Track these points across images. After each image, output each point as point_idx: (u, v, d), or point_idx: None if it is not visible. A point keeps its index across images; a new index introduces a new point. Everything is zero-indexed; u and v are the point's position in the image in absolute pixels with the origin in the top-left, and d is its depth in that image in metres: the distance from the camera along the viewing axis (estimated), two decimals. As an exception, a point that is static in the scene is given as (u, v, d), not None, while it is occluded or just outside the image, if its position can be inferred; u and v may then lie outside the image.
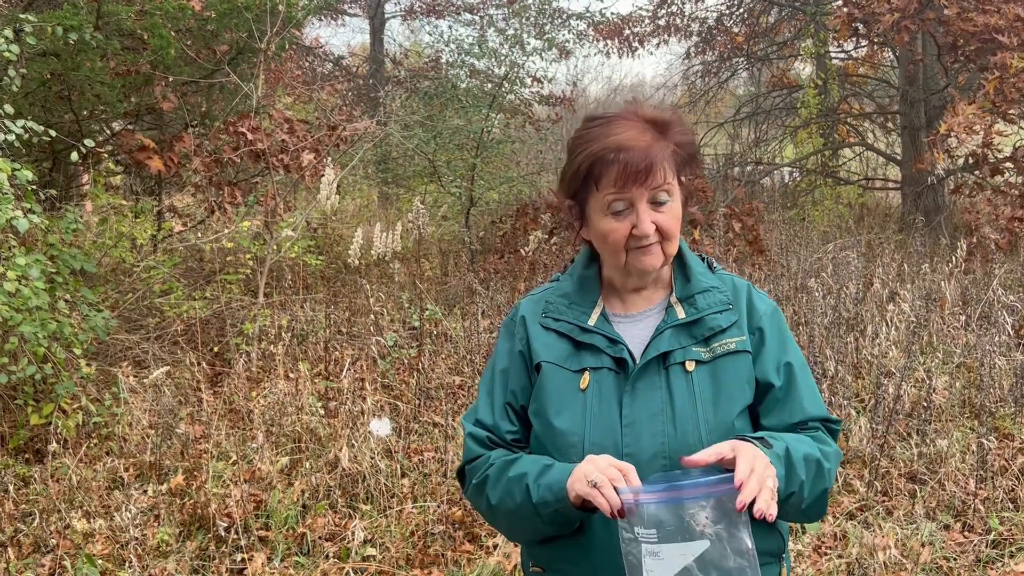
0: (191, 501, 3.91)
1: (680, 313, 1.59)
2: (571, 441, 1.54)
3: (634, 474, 1.37)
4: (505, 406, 1.66)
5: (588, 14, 12.53)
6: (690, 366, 1.55)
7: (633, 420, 1.52)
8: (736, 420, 1.53)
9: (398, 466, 4.22)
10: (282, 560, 3.61)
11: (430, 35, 12.84)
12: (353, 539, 3.64)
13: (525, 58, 9.43)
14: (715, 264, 1.70)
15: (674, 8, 13.15)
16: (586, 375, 1.57)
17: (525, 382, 1.65)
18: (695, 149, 1.60)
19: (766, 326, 1.60)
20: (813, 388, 1.61)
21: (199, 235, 7.44)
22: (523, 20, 10.82)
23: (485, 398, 1.68)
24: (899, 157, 11.35)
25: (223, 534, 3.67)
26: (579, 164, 1.54)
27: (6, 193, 4.06)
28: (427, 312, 6.32)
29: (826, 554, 3.57)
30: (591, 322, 1.61)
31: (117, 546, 3.67)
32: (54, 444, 4.27)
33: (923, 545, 3.55)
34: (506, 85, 9.40)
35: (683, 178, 1.59)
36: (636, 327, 1.61)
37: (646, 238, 1.52)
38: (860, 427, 4.47)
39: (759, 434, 1.48)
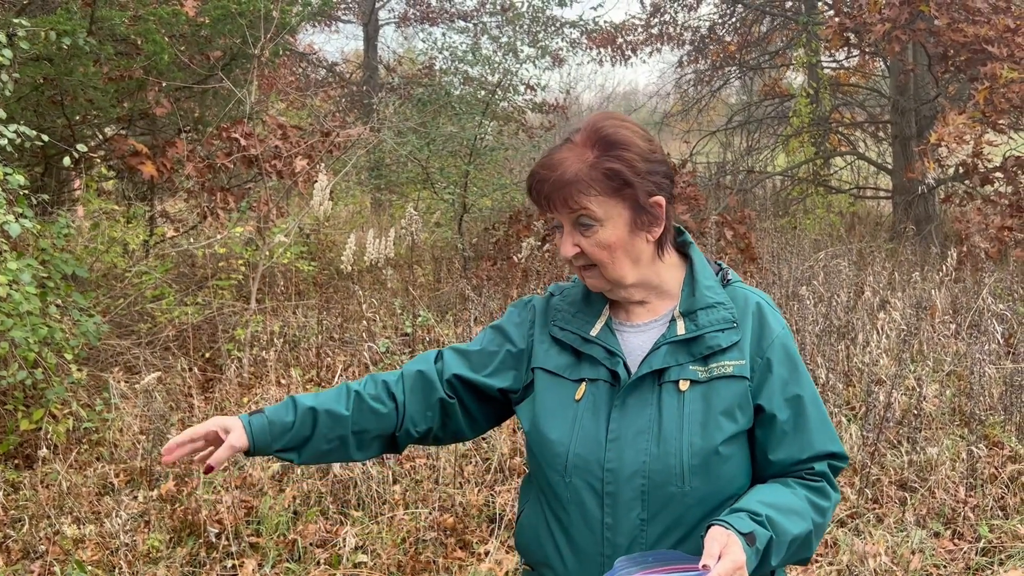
0: (182, 507, 3.90)
1: (680, 329, 1.55)
2: (557, 451, 1.54)
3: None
4: (474, 362, 1.69)
5: (581, 22, 12.61)
6: (684, 385, 1.51)
7: (618, 435, 1.50)
8: (721, 446, 1.48)
9: (390, 472, 4.21)
10: (273, 566, 3.60)
11: (424, 42, 12.83)
12: (344, 545, 3.63)
13: (518, 65, 9.46)
14: (731, 276, 1.64)
15: (667, 17, 13.23)
16: (583, 386, 1.56)
17: (512, 364, 1.68)
18: (635, 175, 1.50)
19: (776, 353, 1.55)
20: (825, 421, 1.56)
21: (191, 240, 7.42)
22: (517, 28, 10.86)
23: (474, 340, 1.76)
24: (890, 166, 11.41)
25: (214, 540, 3.66)
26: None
27: (-2, 197, 4.05)
28: (420, 318, 6.32)
29: (817, 561, 3.58)
30: (594, 332, 1.60)
31: (107, 552, 3.66)
32: (44, 449, 4.26)
33: (913, 552, 3.56)
34: (499, 92, 9.41)
35: (654, 199, 1.51)
36: (640, 338, 1.59)
37: (567, 261, 1.55)
38: (851, 435, 4.48)
39: (757, 513, 1.41)
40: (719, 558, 1.31)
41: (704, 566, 1.31)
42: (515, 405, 1.68)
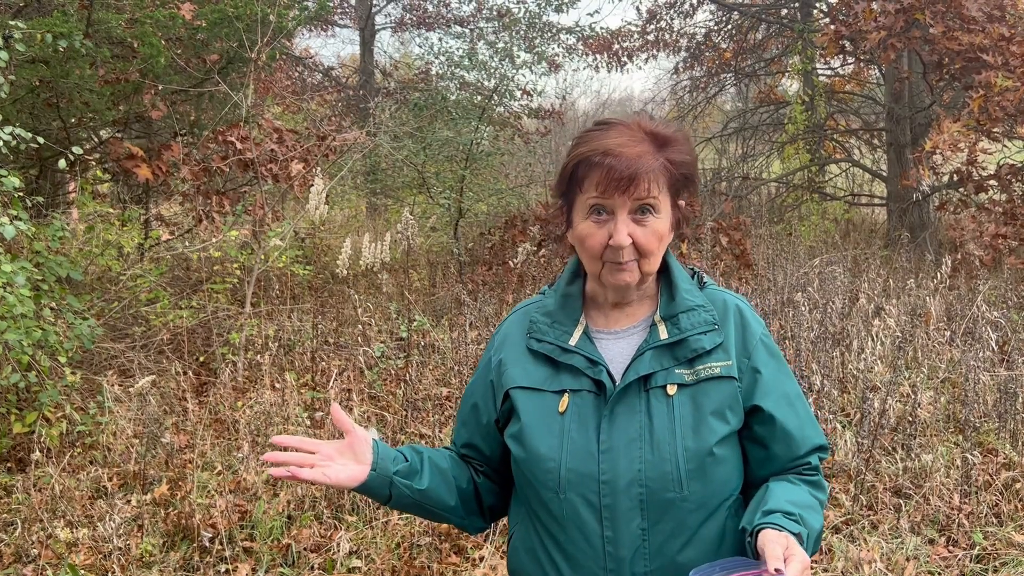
0: (175, 511, 3.89)
1: (663, 333, 1.53)
2: (548, 467, 1.51)
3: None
4: (463, 423, 1.72)
5: (578, 28, 12.61)
6: (671, 390, 1.49)
7: (610, 446, 1.48)
8: (715, 448, 1.48)
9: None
10: (267, 571, 3.58)
11: (420, 47, 12.89)
12: (338, 550, 3.62)
13: (515, 71, 9.48)
14: (706, 279, 1.64)
15: (663, 24, 13.26)
16: (565, 397, 1.53)
17: (488, 400, 1.66)
18: (692, 171, 1.54)
19: (761, 354, 1.56)
20: (810, 414, 1.60)
21: (186, 244, 7.41)
22: (513, 33, 10.89)
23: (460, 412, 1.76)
24: (885, 173, 11.45)
25: (207, 544, 3.65)
26: (567, 163, 1.52)
27: (-7, 199, 4.04)
28: (415, 323, 6.31)
29: (811, 568, 3.58)
30: (572, 341, 1.56)
31: (100, 556, 3.64)
32: (37, 453, 4.24)
33: (908, 559, 3.56)
34: (495, 97, 9.43)
35: (680, 201, 1.55)
36: (619, 345, 1.57)
37: (620, 251, 1.47)
38: (846, 441, 4.49)
39: (791, 513, 1.42)
40: (785, 560, 1.30)
41: (777, 570, 1.30)
42: (502, 431, 1.64)
